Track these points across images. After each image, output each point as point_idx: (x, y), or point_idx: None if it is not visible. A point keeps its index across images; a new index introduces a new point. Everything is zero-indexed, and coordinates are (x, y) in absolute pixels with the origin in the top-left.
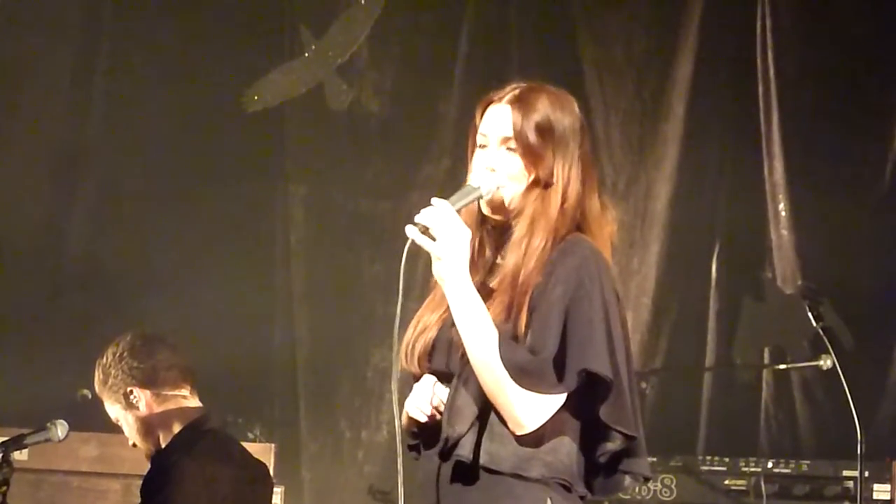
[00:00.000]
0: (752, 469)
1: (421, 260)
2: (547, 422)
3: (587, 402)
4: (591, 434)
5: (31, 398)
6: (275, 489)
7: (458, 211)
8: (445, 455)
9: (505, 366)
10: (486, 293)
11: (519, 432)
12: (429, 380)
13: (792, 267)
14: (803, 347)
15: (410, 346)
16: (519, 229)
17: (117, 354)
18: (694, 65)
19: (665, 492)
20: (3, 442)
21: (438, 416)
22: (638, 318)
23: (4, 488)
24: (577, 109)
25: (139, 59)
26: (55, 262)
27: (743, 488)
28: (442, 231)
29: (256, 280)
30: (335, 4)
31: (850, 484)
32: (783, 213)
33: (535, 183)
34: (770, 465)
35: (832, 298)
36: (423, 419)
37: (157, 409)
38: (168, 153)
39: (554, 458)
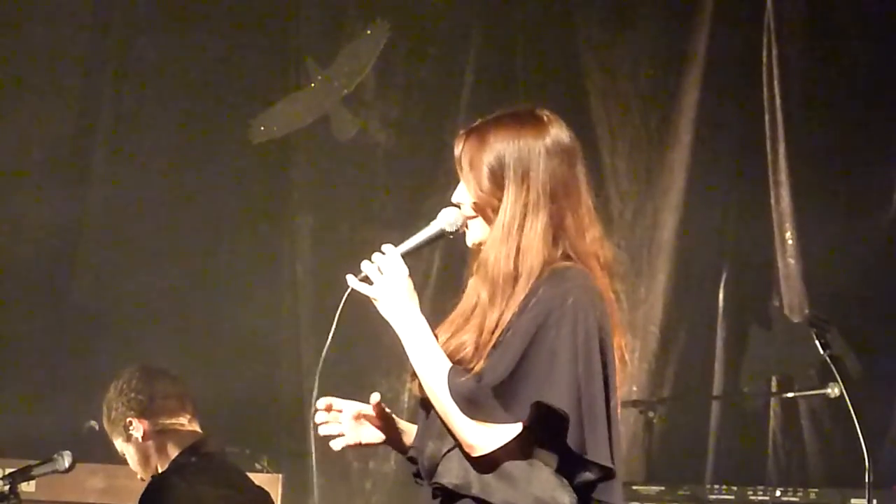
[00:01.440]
0: (761, 498)
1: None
2: (536, 455)
3: (563, 433)
4: (572, 464)
5: (38, 430)
6: None
7: (416, 250)
8: (427, 477)
9: (452, 396)
10: (463, 322)
11: (473, 454)
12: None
13: (799, 295)
14: (811, 376)
15: (412, 370)
16: (479, 260)
17: (118, 388)
18: (700, 93)
19: None
20: (10, 473)
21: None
22: (645, 347)
23: None
24: (550, 133)
25: (144, 92)
26: (61, 294)
27: None
28: (376, 275)
29: (263, 310)
30: (341, 35)
31: None
32: (790, 242)
33: (485, 214)
34: (778, 493)
35: (839, 327)
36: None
37: (155, 437)
38: (174, 184)
39: (542, 492)
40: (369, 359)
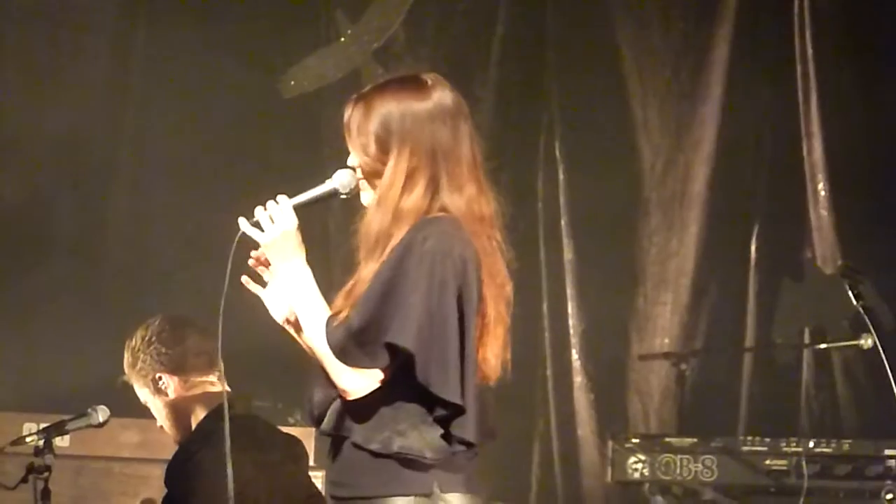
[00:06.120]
0: (794, 449)
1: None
2: (404, 395)
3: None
4: (430, 402)
5: (72, 385)
6: (316, 473)
7: (309, 204)
8: (316, 425)
9: (329, 344)
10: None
11: (347, 398)
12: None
13: (831, 247)
14: (843, 327)
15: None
16: (362, 221)
17: (146, 339)
18: (731, 46)
19: (706, 473)
20: (44, 428)
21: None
22: (677, 300)
23: (46, 474)
24: (433, 97)
25: (175, 46)
26: (95, 250)
27: (784, 468)
28: (267, 223)
29: None
30: None
31: (892, 463)
32: (822, 193)
33: (371, 177)
34: (811, 444)
35: (872, 278)
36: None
37: (186, 395)
38: (205, 140)
39: (410, 431)
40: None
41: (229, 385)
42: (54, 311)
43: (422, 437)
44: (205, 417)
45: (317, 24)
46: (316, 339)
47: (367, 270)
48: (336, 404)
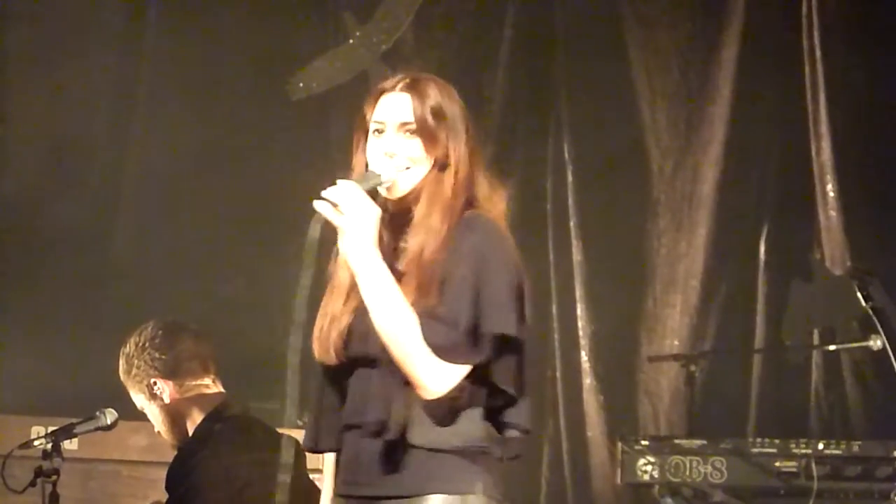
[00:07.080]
0: (803, 450)
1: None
2: (465, 393)
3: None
4: (481, 394)
5: (80, 388)
6: None
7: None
8: (374, 434)
9: (429, 342)
10: (395, 276)
11: (427, 397)
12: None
13: (840, 248)
14: (853, 328)
15: (324, 337)
16: (419, 210)
17: (139, 344)
18: (739, 46)
19: (715, 474)
20: (53, 431)
21: None
22: (686, 301)
23: (55, 478)
24: (458, 97)
25: (182, 49)
26: (102, 253)
27: (794, 470)
28: (350, 206)
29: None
30: None
31: None
32: (831, 194)
33: (434, 165)
34: (821, 446)
35: (881, 278)
36: None
37: (181, 399)
38: (212, 143)
39: (471, 426)
40: None
41: (226, 387)
42: (61, 314)
43: (473, 433)
44: (202, 420)
45: (325, 26)
46: (403, 335)
47: (428, 258)
48: (401, 414)
